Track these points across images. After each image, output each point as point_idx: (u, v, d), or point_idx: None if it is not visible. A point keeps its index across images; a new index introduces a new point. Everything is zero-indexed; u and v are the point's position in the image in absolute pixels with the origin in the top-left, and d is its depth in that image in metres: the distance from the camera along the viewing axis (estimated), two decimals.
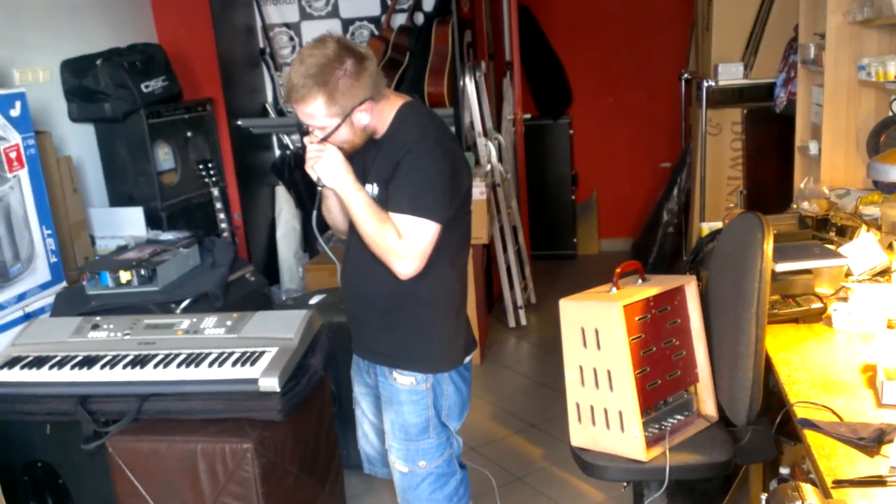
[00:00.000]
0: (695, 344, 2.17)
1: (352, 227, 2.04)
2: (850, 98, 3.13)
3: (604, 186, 6.38)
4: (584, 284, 2.30)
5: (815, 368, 1.87)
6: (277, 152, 5.17)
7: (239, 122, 4.74)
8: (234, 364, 2.37)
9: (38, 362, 2.50)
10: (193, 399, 2.36)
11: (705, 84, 4.42)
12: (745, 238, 1.96)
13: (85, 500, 2.60)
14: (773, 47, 4.31)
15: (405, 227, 1.91)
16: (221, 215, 4.35)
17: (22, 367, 2.49)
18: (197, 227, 4.04)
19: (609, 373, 2.01)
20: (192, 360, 2.42)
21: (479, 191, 4.20)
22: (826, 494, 1.37)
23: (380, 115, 2.00)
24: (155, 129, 4.13)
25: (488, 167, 4.64)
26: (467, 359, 2.18)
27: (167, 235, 3.55)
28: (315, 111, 1.90)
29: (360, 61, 1.90)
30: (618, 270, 2.10)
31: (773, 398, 2.14)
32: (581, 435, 2.11)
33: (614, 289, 2.09)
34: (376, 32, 4.82)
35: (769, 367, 1.94)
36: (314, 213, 2.11)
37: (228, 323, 2.59)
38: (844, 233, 2.49)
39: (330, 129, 1.93)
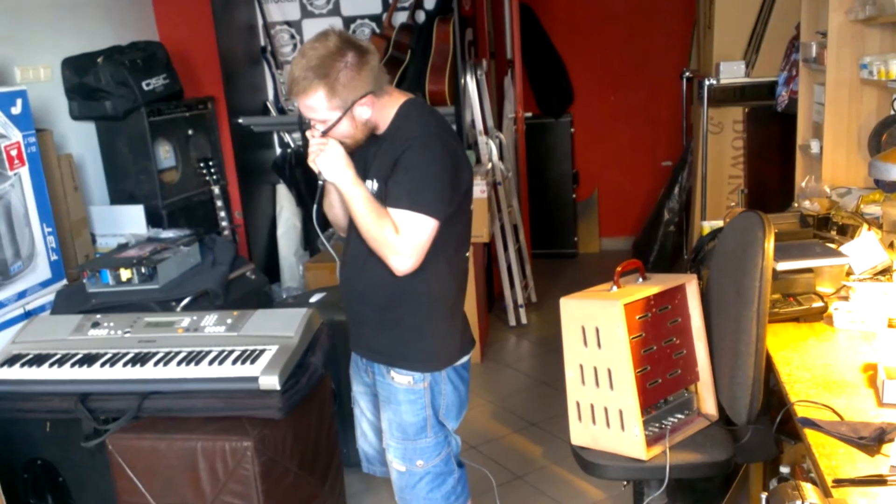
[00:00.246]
0: (695, 343, 2.17)
1: (351, 224, 2.04)
2: (851, 97, 3.13)
3: (605, 185, 6.37)
4: (584, 283, 2.30)
5: (816, 367, 1.87)
6: (278, 150, 5.17)
7: (240, 121, 4.74)
8: (234, 362, 2.37)
9: (39, 360, 2.50)
10: (193, 397, 2.36)
11: (707, 82, 4.42)
12: (747, 237, 1.95)
13: (85, 497, 2.60)
14: (774, 46, 4.31)
15: (403, 223, 1.91)
16: (222, 213, 4.36)
17: (22, 365, 2.49)
18: (198, 225, 4.04)
19: (609, 371, 2.00)
20: (193, 359, 2.42)
21: (479, 189, 4.20)
22: (826, 493, 1.37)
23: (381, 110, 2.00)
24: (156, 127, 4.13)
25: (489, 165, 4.64)
26: (465, 358, 2.17)
27: (168, 233, 3.55)
28: (316, 104, 1.90)
29: (362, 55, 1.90)
30: (618, 269, 2.10)
31: (773, 397, 2.14)
32: (581, 433, 2.11)
33: (615, 287, 2.09)
34: (377, 30, 4.82)
35: (770, 366, 1.93)
36: (314, 208, 2.11)
37: (229, 321, 2.58)
38: (846, 232, 2.48)
39: (331, 122, 1.93)
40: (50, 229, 3.19)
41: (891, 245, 2.36)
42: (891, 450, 1.44)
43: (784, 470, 1.86)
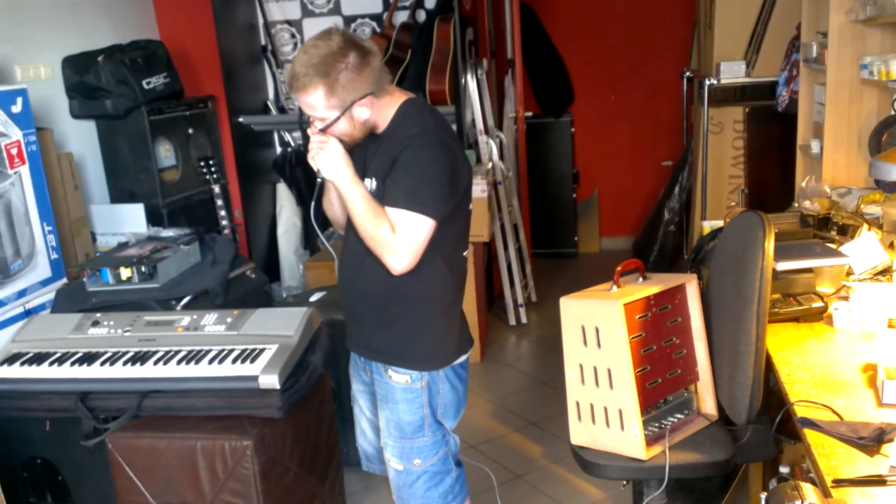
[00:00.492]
0: (695, 342, 2.17)
1: (349, 223, 2.04)
2: (852, 97, 3.13)
3: (605, 184, 6.37)
4: (584, 283, 2.30)
5: (816, 367, 1.87)
6: (279, 149, 5.17)
7: (240, 119, 4.74)
8: (234, 361, 2.37)
9: (39, 359, 2.50)
10: (193, 396, 2.36)
11: (707, 82, 4.41)
12: (747, 237, 1.95)
13: (84, 496, 2.60)
14: (775, 46, 4.30)
15: (400, 222, 1.91)
16: (222, 212, 4.36)
17: (22, 364, 2.49)
18: (198, 224, 4.04)
19: (609, 371, 2.00)
20: (193, 357, 2.42)
21: (480, 188, 4.20)
22: (826, 494, 1.37)
23: (381, 110, 2.00)
24: (156, 125, 4.13)
25: (489, 165, 4.64)
26: (464, 357, 2.17)
27: (168, 232, 3.55)
28: (315, 102, 1.91)
29: (364, 56, 1.91)
30: (618, 269, 2.10)
31: (773, 397, 2.14)
32: (581, 433, 2.11)
33: (615, 287, 2.09)
34: (378, 30, 4.82)
35: (769, 366, 1.93)
36: (313, 206, 2.11)
37: (229, 320, 2.58)
38: (846, 232, 2.48)
39: (329, 120, 1.94)
40: (50, 228, 3.19)
41: (891, 245, 2.36)
42: (890, 450, 1.44)
43: (783, 470, 1.86)
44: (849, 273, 2.27)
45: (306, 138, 2.00)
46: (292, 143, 5.09)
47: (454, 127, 4.30)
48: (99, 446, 2.34)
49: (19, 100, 3.05)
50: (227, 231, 4.34)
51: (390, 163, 1.95)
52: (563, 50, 6.17)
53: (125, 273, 3.06)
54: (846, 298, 2.15)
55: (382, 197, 1.96)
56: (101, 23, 4.33)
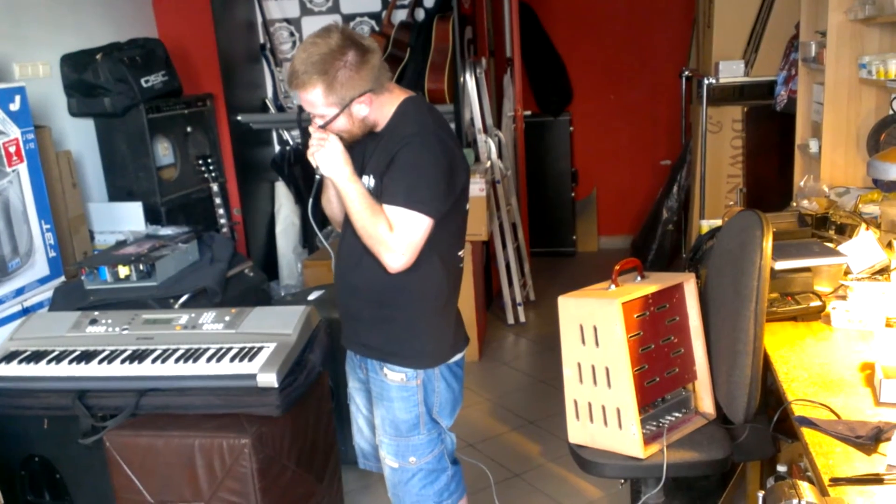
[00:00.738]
0: (693, 341, 2.17)
1: (347, 221, 2.05)
2: (850, 96, 3.13)
3: (604, 184, 6.37)
4: (583, 281, 2.30)
5: (814, 366, 1.87)
6: (277, 148, 5.16)
7: (239, 118, 4.73)
8: (232, 359, 2.37)
9: (36, 357, 2.50)
10: (191, 394, 2.36)
11: (706, 81, 4.42)
12: (745, 236, 1.95)
13: (82, 494, 2.60)
14: (774, 45, 4.31)
15: (397, 220, 1.92)
16: (221, 211, 4.35)
17: (20, 362, 2.49)
18: (196, 222, 4.04)
19: (607, 370, 2.00)
20: (191, 356, 2.42)
21: (478, 187, 4.20)
22: (823, 492, 1.37)
23: (381, 108, 2.00)
24: (154, 124, 4.13)
25: (488, 164, 4.64)
26: (459, 356, 2.17)
27: (166, 231, 3.55)
28: (314, 99, 1.92)
29: (363, 54, 1.92)
30: (617, 267, 2.10)
31: (771, 396, 2.14)
32: (579, 432, 2.11)
33: (613, 286, 2.09)
34: (377, 28, 4.81)
35: (767, 365, 1.93)
36: (310, 202, 2.12)
37: (227, 318, 2.58)
38: (844, 231, 2.49)
39: (329, 117, 1.94)
40: (48, 226, 3.18)
41: (889, 244, 2.36)
42: (888, 449, 1.45)
43: (781, 468, 1.86)
44: (847, 272, 2.27)
45: (306, 136, 2.00)
46: (291, 142, 5.09)
47: (453, 126, 4.30)
48: (97, 444, 2.34)
49: (17, 97, 3.04)
50: (225, 229, 4.34)
51: (388, 160, 1.96)
52: (561, 49, 6.17)
53: (123, 271, 3.06)
54: (844, 297, 2.15)
55: (380, 194, 1.97)
56: (99, 21, 4.32)
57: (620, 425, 2.00)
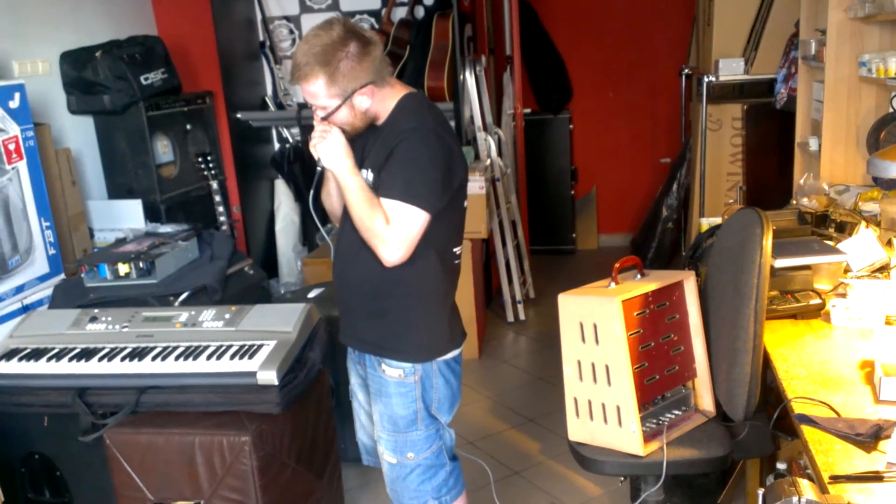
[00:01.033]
0: (693, 339, 2.17)
1: (345, 215, 2.06)
2: (850, 94, 3.13)
3: (603, 181, 6.37)
4: (582, 279, 2.30)
5: (813, 364, 1.87)
6: (277, 145, 5.16)
7: (238, 115, 4.73)
8: (232, 357, 2.37)
9: (36, 354, 2.50)
10: (191, 392, 2.36)
11: (706, 79, 4.41)
12: (745, 234, 1.96)
13: (82, 492, 2.60)
14: (773, 43, 4.30)
15: (394, 213, 1.92)
16: (220, 208, 4.35)
17: (20, 360, 2.49)
18: (196, 220, 4.03)
19: (607, 367, 2.00)
20: (190, 353, 2.42)
21: (478, 185, 4.20)
22: (823, 490, 1.37)
23: (382, 101, 2.01)
24: (154, 121, 4.13)
25: (488, 162, 4.63)
26: (457, 351, 2.17)
27: (166, 228, 3.54)
28: (316, 90, 1.93)
29: (364, 45, 1.93)
30: (616, 265, 2.10)
31: (770, 394, 2.15)
32: (579, 429, 2.11)
33: (613, 284, 2.09)
34: (376, 26, 4.81)
35: (767, 363, 1.94)
36: (311, 194, 2.12)
37: (227, 316, 2.58)
38: (844, 229, 2.49)
39: (331, 109, 1.95)
40: (48, 223, 3.18)
41: (888, 242, 2.37)
42: (887, 446, 1.45)
43: (781, 466, 1.86)
44: (846, 270, 2.27)
45: (305, 131, 2.01)
46: (290, 140, 5.08)
47: (452, 123, 4.30)
48: (97, 442, 2.34)
49: (17, 95, 3.04)
50: (225, 227, 4.33)
51: (387, 154, 1.97)
52: (561, 47, 6.16)
53: (123, 269, 3.06)
54: (844, 295, 2.15)
55: (378, 188, 1.97)
56: (99, 18, 4.32)
57: (620, 423, 2.00)
